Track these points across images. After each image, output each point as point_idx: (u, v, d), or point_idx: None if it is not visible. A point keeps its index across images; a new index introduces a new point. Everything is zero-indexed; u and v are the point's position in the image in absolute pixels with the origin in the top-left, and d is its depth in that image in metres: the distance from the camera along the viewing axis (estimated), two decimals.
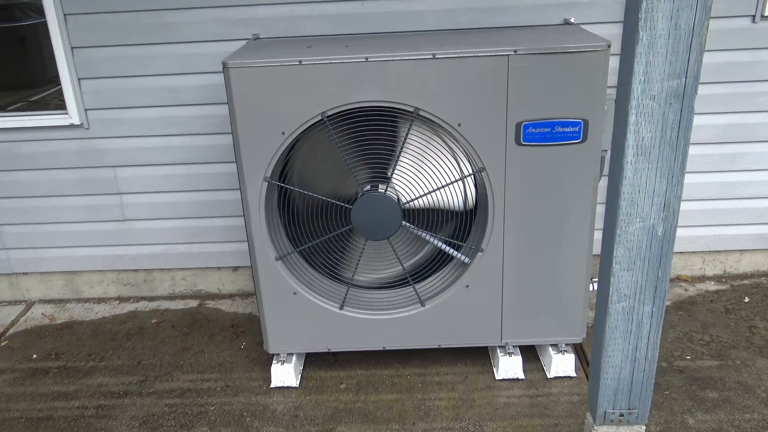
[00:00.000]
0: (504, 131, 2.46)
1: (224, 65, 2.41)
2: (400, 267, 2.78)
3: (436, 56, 2.36)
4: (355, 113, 2.50)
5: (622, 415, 2.12)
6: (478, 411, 2.68)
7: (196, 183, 3.39)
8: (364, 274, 2.83)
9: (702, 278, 3.58)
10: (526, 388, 2.80)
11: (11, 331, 3.45)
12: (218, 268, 3.62)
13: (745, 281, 3.53)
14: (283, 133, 2.49)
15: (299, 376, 2.95)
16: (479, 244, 2.67)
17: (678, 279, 3.58)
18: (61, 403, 2.88)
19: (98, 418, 2.77)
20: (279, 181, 2.61)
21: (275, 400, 2.82)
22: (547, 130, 2.46)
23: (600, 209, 3.06)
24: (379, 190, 2.60)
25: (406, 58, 2.37)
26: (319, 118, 2.46)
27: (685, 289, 3.48)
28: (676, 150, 1.75)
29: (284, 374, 2.87)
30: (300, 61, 2.38)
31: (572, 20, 3.01)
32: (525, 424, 2.59)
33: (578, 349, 3.02)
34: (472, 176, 2.61)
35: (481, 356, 3.00)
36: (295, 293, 2.75)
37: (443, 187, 2.57)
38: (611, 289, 1.93)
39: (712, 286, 3.51)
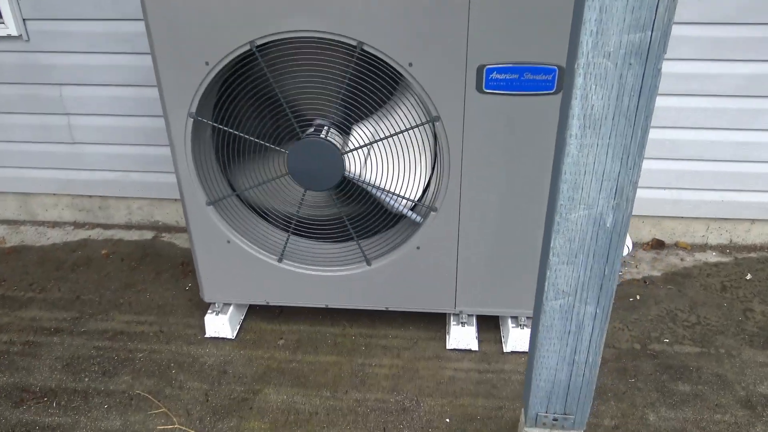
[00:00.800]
0: (463, 75, 2.07)
1: None
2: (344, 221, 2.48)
3: None
4: (290, 44, 2.14)
5: (556, 419, 1.85)
6: (419, 384, 2.45)
7: (148, 108, 3.09)
8: (306, 226, 2.55)
9: (703, 247, 3.20)
10: (477, 361, 2.54)
11: None
12: (175, 199, 3.38)
13: (752, 254, 3.14)
14: (207, 64, 2.15)
15: (237, 327, 2.75)
16: (433, 203, 2.35)
17: (676, 246, 3.20)
18: None
19: (23, 355, 2.64)
20: (211, 119, 2.30)
21: (206, 352, 2.63)
22: (514, 76, 2.06)
23: None
24: (320, 136, 2.27)
25: None
26: (248, 47, 2.11)
27: (681, 259, 3.12)
28: (634, 124, 1.37)
29: (219, 325, 2.67)
30: None
31: None
32: (466, 404, 2.35)
33: None
34: (425, 126, 2.25)
35: (437, 321, 2.74)
36: (228, 242, 2.50)
37: (388, 137, 2.23)
38: (547, 283, 1.61)
39: (713, 257, 3.13)
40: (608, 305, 1.64)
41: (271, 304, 2.65)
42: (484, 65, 2.05)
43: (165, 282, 3.06)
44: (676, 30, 2.67)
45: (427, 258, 2.45)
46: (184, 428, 2.30)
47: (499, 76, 2.07)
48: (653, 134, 2.90)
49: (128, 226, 3.49)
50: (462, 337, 2.57)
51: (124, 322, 2.81)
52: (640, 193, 3.06)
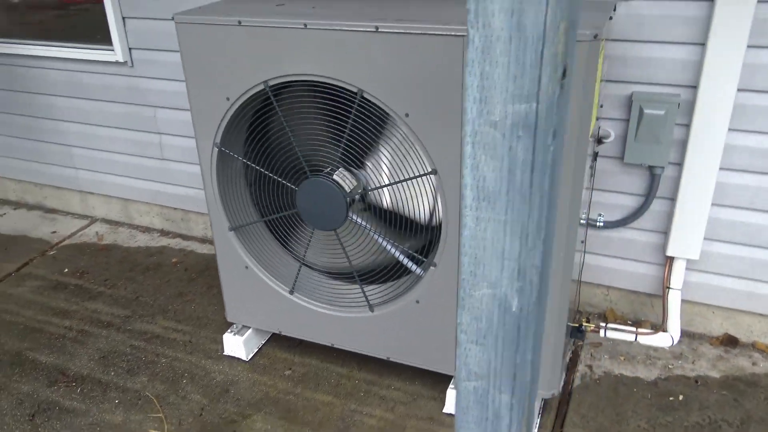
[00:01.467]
0: (459, 128, 2.01)
1: (174, 19, 2.26)
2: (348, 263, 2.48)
3: (380, 29, 1.96)
4: (299, 86, 2.22)
5: None
6: None
7: None
8: (317, 258, 2.58)
9: None
10: None
11: (65, 242, 3.81)
12: None
13: None
14: (227, 99, 2.30)
15: (255, 349, 2.84)
16: (432, 258, 2.27)
17: (753, 347, 2.76)
18: (57, 319, 3.12)
19: (74, 342, 2.96)
20: (242, 153, 2.45)
21: (219, 369, 2.76)
22: None
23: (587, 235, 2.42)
24: (327, 177, 2.31)
25: (347, 28, 2.01)
26: (262, 87, 2.22)
27: (754, 363, 2.67)
28: (530, 202, 1.24)
29: (234, 345, 2.79)
30: (239, 22, 2.14)
31: None
32: None
33: (558, 405, 2.49)
34: (421, 179, 2.19)
35: (445, 380, 2.62)
36: (246, 267, 2.62)
37: (384, 186, 2.20)
38: (459, 362, 1.49)
39: None
40: (525, 397, 1.47)
41: (282, 333, 2.72)
42: None
43: (212, 296, 3.26)
44: (750, 98, 2.35)
45: (426, 313, 2.37)
46: None
47: None
48: (723, 213, 2.55)
49: (203, 240, 3.77)
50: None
51: (163, 327, 3.04)
52: (707, 278, 2.70)
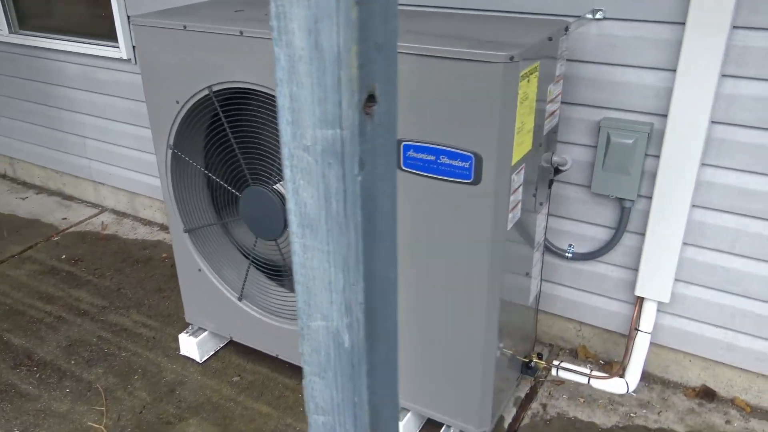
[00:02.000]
0: None
1: (130, 21, 2.29)
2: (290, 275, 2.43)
3: None
4: (243, 94, 2.19)
5: None
6: None
7: None
8: (263, 267, 2.55)
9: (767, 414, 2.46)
10: None
11: (71, 229, 3.97)
12: None
13: None
14: (177, 102, 2.31)
15: (211, 352, 2.85)
16: None
17: (731, 403, 2.51)
18: (40, 304, 3.24)
19: (48, 327, 3.07)
20: (192, 154, 2.46)
21: (172, 369, 2.78)
22: (431, 158, 1.85)
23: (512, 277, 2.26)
24: (266, 185, 2.28)
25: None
26: (207, 92, 2.22)
27: (727, 421, 2.43)
28: (346, 234, 1.16)
29: (189, 346, 2.80)
30: (185, 26, 2.15)
31: (600, 15, 2.17)
32: None
33: None
34: None
35: None
36: (199, 270, 2.63)
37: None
38: (306, 393, 1.42)
39: None
40: None
41: (233, 339, 2.71)
42: (402, 140, 1.88)
43: None
44: (729, 132, 2.13)
45: None
46: (102, 430, 2.46)
47: (416, 155, 1.87)
48: (701, 255, 2.34)
49: None
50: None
51: (134, 321, 3.10)
52: (684, 324, 2.48)
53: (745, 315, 2.36)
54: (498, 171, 1.76)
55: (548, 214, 2.31)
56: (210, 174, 2.43)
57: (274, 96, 2.08)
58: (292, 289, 2.55)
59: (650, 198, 2.31)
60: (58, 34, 3.75)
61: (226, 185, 2.39)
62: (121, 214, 4.13)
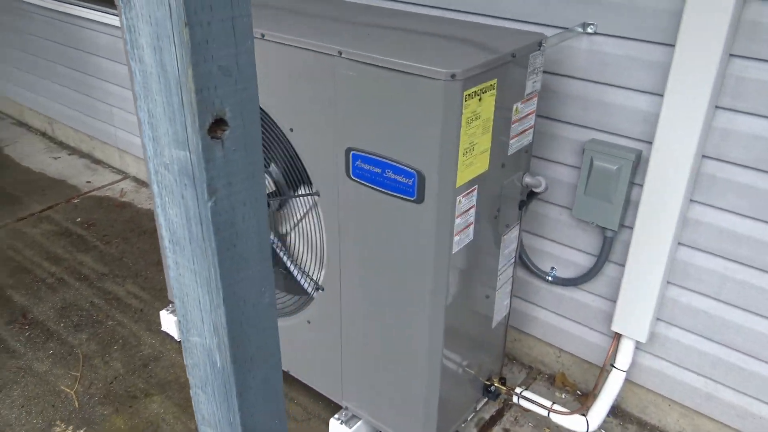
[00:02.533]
0: (334, 155, 1.87)
1: None
2: None
3: (265, 37, 1.87)
4: None
5: None
6: None
7: None
8: None
9: None
10: None
11: (92, 193, 4.11)
12: None
13: None
14: None
15: None
16: (318, 280, 2.16)
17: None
18: (47, 264, 3.39)
19: (49, 288, 3.20)
20: None
21: (150, 344, 2.85)
22: (377, 170, 1.78)
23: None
24: None
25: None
26: None
27: None
28: (206, 259, 1.13)
29: (168, 323, 2.86)
30: None
31: (590, 29, 2.02)
32: None
33: None
34: (304, 198, 2.07)
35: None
36: None
37: (275, 199, 2.11)
38: (194, 403, 1.41)
39: None
40: None
41: None
42: (350, 148, 1.82)
43: None
44: (721, 169, 1.95)
45: (316, 335, 2.27)
46: (72, 395, 2.55)
47: (363, 166, 1.81)
48: (684, 297, 2.17)
49: None
50: None
51: (127, 291, 3.19)
52: (663, 366, 2.32)
53: (728, 366, 2.18)
54: (440, 192, 1.68)
55: (520, 236, 2.19)
56: None
57: None
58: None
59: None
60: (91, 3, 3.84)
61: None
62: (141, 183, 4.24)
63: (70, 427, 2.42)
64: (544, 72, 2.19)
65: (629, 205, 2.16)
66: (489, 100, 1.69)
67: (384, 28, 1.92)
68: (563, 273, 2.43)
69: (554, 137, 2.26)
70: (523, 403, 2.31)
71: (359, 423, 2.31)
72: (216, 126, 1.05)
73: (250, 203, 1.16)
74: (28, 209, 3.90)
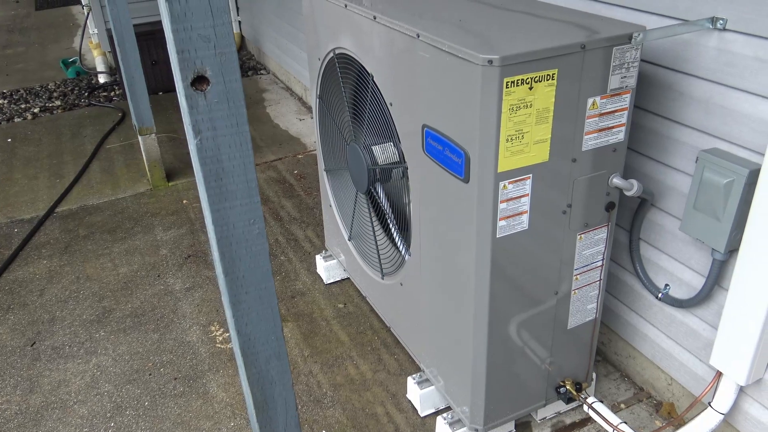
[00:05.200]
0: (419, 130, 2.03)
1: None
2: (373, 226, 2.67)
3: (376, 18, 2.09)
4: (346, 59, 2.46)
5: None
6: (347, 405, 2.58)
7: None
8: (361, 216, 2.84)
9: None
10: (405, 425, 2.45)
11: (314, 151, 4.77)
12: None
13: None
14: (318, 59, 2.70)
15: (335, 277, 3.29)
16: (408, 246, 2.34)
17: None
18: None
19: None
20: (335, 106, 2.85)
21: (303, 281, 3.32)
22: (440, 147, 1.91)
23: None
24: (361, 144, 2.54)
25: (359, 13, 2.18)
26: (332, 55, 2.55)
27: None
28: (200, 183, 1.43)
29: (320, 267, 3.29)
30: None
31: (721, 24, 1.81)
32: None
33: None
34: (399, 168, 2.24)
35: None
36: (330, 206, 3.05)
37: (378, 167, 2.33)
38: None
39: None
40: None
41: (346, 272, 3.10)
42: (425, 125, 1.96)
43: None
44: None
45: (407, 297, 2.46)
46: None
47: (432, 143, 1.94)
48: None
49: None
50: (413, 395, 2.49)
51: (305, 235, 3.72)
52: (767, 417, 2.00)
53: None
54: (481, 174, 1.74)
55: (608, 239, 2.05)
56: (336, 123, 2.79)
57: (362, 65, 2.31)
58: (392, 239, 2.81)
59: None
60: None
61: (341, 132, 2.73)
62: None
63: (221, 330, 3.01)
64: (670, 69, 2.01)
65: (743, 226, 1.89)
66: (546, 90, 1.68)
67: (478, 13, 1.99)
68: (676, 292, 2.22)
69: (675, 141, 2.06)
70: (592, 414, 2.20)
71: (431, 387, 2.45)
72: (199, 81, 1.36)
73: (235, 146, 1.45)
74: (264, 158, 4.72)
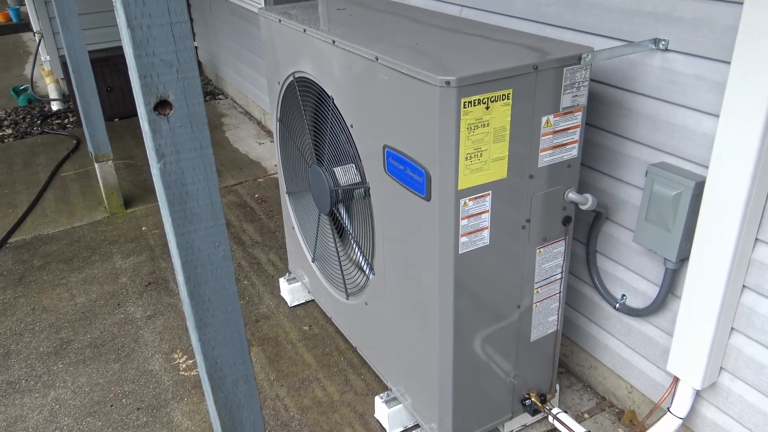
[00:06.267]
0: (380, 150, 2.06)
1: (258, 11, 2.76)
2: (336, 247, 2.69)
3: (335, 43, 2.13)
4: (305, 83, 2.50)
5: None
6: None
7: None
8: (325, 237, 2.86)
9: None
10: None
11: (275, 175, 4.77)
12: None
13: None
14: (278, 83, 2.72)
15: (300, 300, 3.29)
16: (372, 265, 2.37)
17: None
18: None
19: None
20: (295, 129, 2.87)
21: (267, 304, 3.30)
22: (401, 167, 1.94)
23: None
24: (323, 165, 2.56)
25: (319, 37, 2.22)
26: (291, 78, 2.58)
27: None
28: (164, 207, 1.43)
29: (284, 290, 3.28)
30: (279, 20, 2.52)
31: (663, 45, 1.91)
32: None
33: None
34: (362, 189, 2.27)
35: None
36: (293, 227, 3.06)
37: (339, 189, 2.36)
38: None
39: None
40: None
41: (310, 294, 3.10)
42: (386, 145, 2.00)
43: None
44: None
45: (372, 316, 2.47)
46: None
47: (393, 162, 1.98)
48: (749, 348, 1.92)
49: None
50: (380, 413, 2.49)
51: (268, 259, 3.71)
52: (726, 422, 2.07)
53: None
54: (441, 191, 1.78)
55: (566, 252, 2.12)
56: (297, 146, 2.81)
57: (322, 87, 2.35)
58: (355, 260, 2.82)
59: None
60: None
61: (302, 154, 2.75)
62: None
63: (184, 357, 2.97)
64: (619, 88, 2.10)
65: (691, 235, 1.98)
66: (501, 109, 1.74)
67: (434, 36, 2.05)
68: (632, 302, 2.29)
69: (626, 157, 2.15)
70: (557, 425, 2.24)
71: (399, 406, 2.46)
72: (161, 105, 1.36)
73: (199, 170, 1.45)
74: (225, 182, 4.69)
